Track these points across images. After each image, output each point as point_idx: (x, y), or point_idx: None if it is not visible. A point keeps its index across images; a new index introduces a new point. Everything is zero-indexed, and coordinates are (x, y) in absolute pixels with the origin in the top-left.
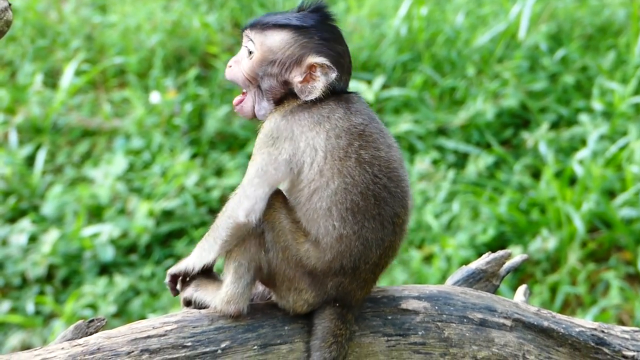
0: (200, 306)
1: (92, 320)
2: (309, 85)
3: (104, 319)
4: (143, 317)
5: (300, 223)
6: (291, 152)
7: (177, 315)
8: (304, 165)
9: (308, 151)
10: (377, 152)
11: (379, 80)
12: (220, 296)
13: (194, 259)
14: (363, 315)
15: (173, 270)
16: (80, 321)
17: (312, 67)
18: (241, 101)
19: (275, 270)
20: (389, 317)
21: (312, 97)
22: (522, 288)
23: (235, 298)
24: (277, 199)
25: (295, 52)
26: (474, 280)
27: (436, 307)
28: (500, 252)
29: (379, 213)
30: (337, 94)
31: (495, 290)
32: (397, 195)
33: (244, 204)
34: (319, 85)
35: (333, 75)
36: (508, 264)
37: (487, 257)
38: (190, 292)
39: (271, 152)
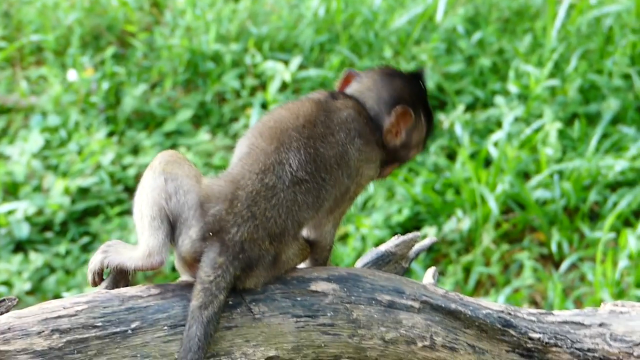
0: (117, 271)
1: (3, 300)
2: None
3: (15, 299)
4: (58, 295)
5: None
6: None
7: (88, 296)
8: None
9: None
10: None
11: (295, 61)
12: (140, 252)
13: None
14: (272, 296)
15: None
16: None
17: None
18: None
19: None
20: (298, 299)
21: None
22: (431, 270)
23: (158, 249)
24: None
25: None
26: (383, 262)
27: (345, 289)
28: (410, 235)
29: None
30: None
31: (404, 273)
32: None
33: None
34: None
35: None
36: (417, 246)
37: (397, 239)
38: (99, 258)
39: None
